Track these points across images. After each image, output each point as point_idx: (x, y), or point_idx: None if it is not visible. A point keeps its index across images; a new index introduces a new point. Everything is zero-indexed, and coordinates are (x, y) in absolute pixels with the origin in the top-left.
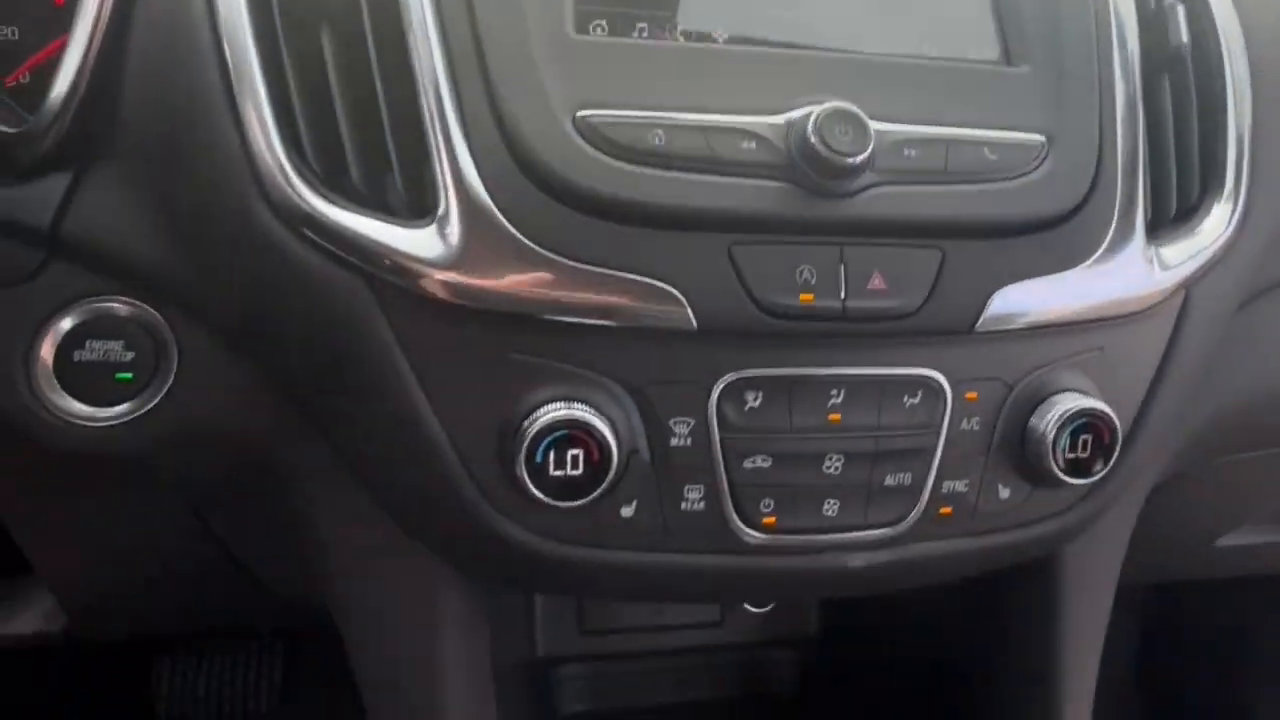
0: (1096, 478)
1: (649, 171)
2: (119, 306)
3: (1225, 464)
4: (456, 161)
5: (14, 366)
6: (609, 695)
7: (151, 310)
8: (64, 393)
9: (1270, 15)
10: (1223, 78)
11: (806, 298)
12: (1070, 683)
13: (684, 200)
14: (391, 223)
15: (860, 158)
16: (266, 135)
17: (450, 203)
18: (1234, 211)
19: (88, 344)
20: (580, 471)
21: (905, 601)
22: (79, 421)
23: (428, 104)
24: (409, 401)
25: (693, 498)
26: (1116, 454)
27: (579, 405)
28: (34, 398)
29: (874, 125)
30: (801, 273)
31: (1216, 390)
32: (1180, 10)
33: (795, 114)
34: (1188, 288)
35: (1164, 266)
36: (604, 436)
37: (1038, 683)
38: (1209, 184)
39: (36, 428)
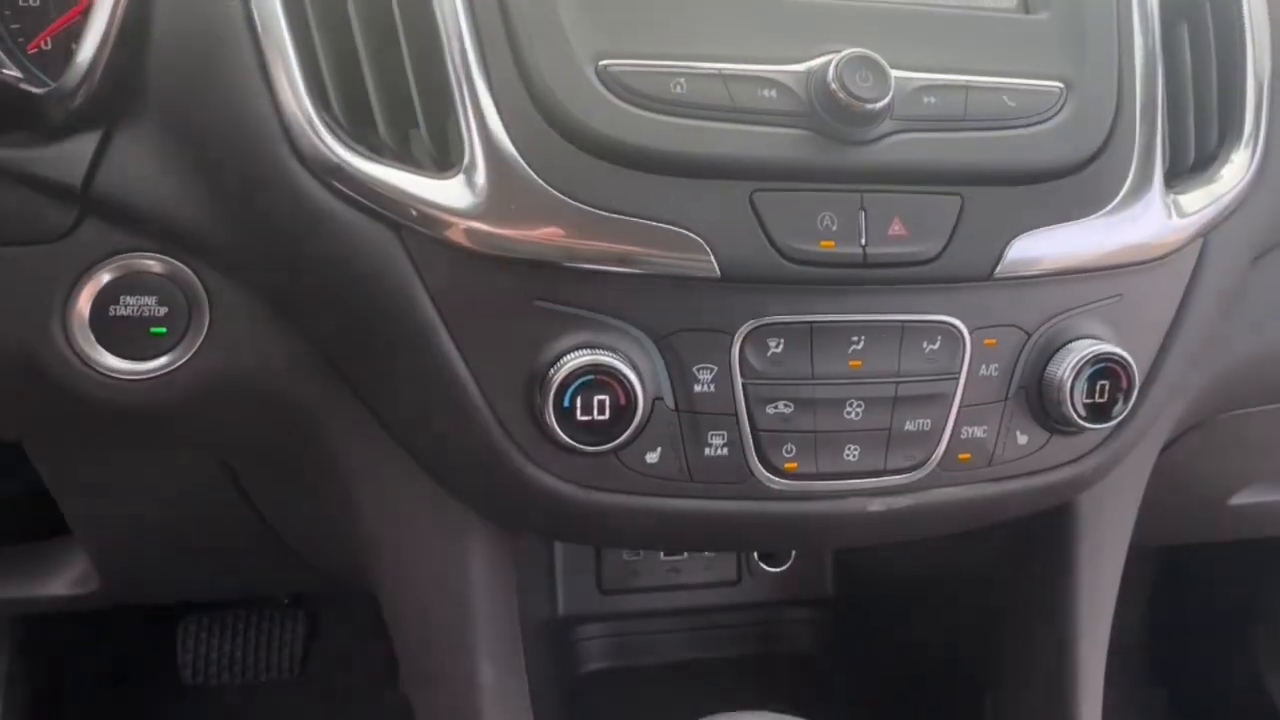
0: (1114, 423)
1: (671, 120)
2: (152, 263)
3: (1237, 418)
4: (481, 113)
5: (52, 321)
6: (628, 653)
7: (184, 267)
8: (100, 347)
9: None
10: (1241, 24)
11: (827, 244)
12: (1085, 629)
13: (706, 148)
14: (419, 174)
15: (880, 104)
16: (295, 89)
17: (476, 153)
18: (1253, 159)
19: (122, 299)
20: (607, 416)
21: (920, 556)
22: (115, 375)
23: (452, 57)
24: (438, 350)
25: (716, 444)
26: (1133, 400)
27: (604, 351)
28: (72, 352)
29: (894, 72)
30: (823, 219)
31: (1232, 341)
32: None
33: (816, 62)
34: (1205, 235)
35: (1182, 214)
36: (630, 382)
37: (1050, 641)
38: (1227, 131)
39: (75, 381)
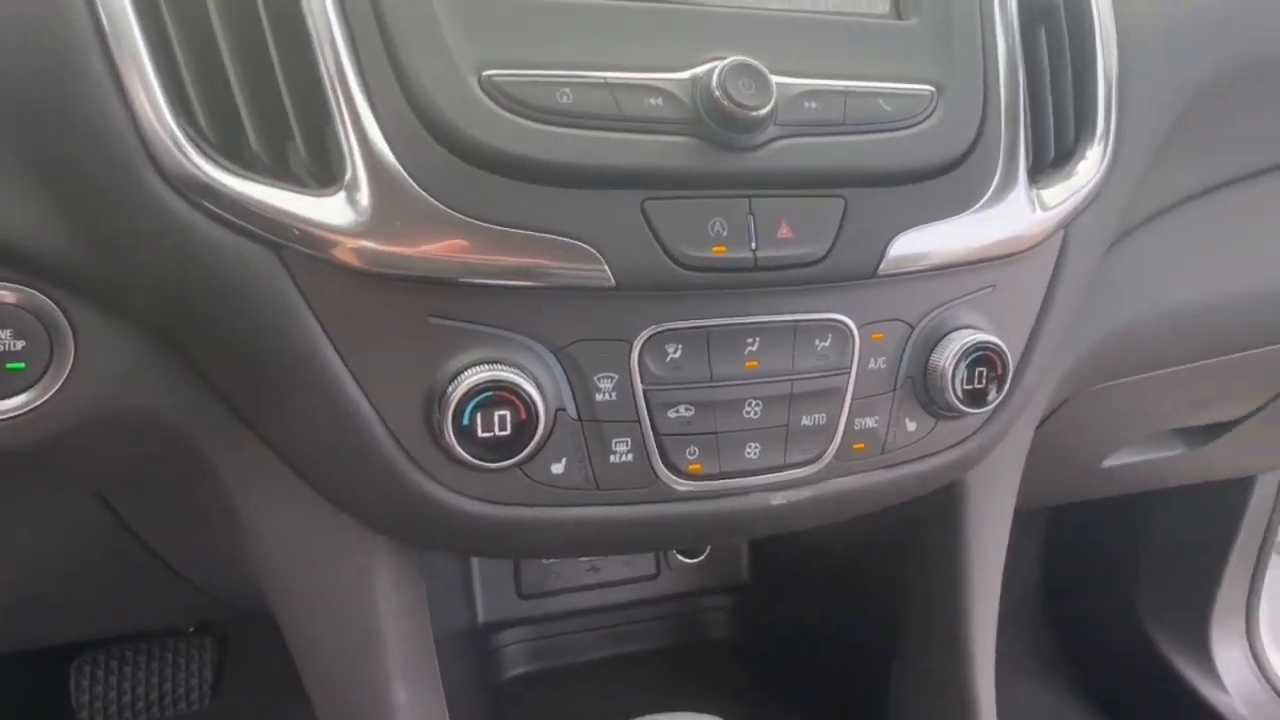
0: (991, 406)
1: (558, 130)
2: (5, 293)
3: (1102, 391)
4: (362, 127)
5: None
6: (551, 655)
7: (42, 297)
8: None
9: None
10: (1092, 29)
11: (719, 250)
12: (976, 600)
13: (595, 158)
14: (298, 191)
15: (763, 111)
16: (153, 100)
17: (358, 169)
18: (1105, 154)
19: None
20: (508, 432)
21: (826, 537)
22: None
23: (327, 67)
24: (328, 373)
25: (620, 450)
26: (1008, 384)
27: (503, 366)
28: None
29: (775, 79)
30: (713, 225)
31: (1096, 320)
32: None
33: (699, 70)
34: (1066, 227)
35: (1044, 208)
36: (530, 396)
37: (946, 604)
38: (1082, 129)
39: None
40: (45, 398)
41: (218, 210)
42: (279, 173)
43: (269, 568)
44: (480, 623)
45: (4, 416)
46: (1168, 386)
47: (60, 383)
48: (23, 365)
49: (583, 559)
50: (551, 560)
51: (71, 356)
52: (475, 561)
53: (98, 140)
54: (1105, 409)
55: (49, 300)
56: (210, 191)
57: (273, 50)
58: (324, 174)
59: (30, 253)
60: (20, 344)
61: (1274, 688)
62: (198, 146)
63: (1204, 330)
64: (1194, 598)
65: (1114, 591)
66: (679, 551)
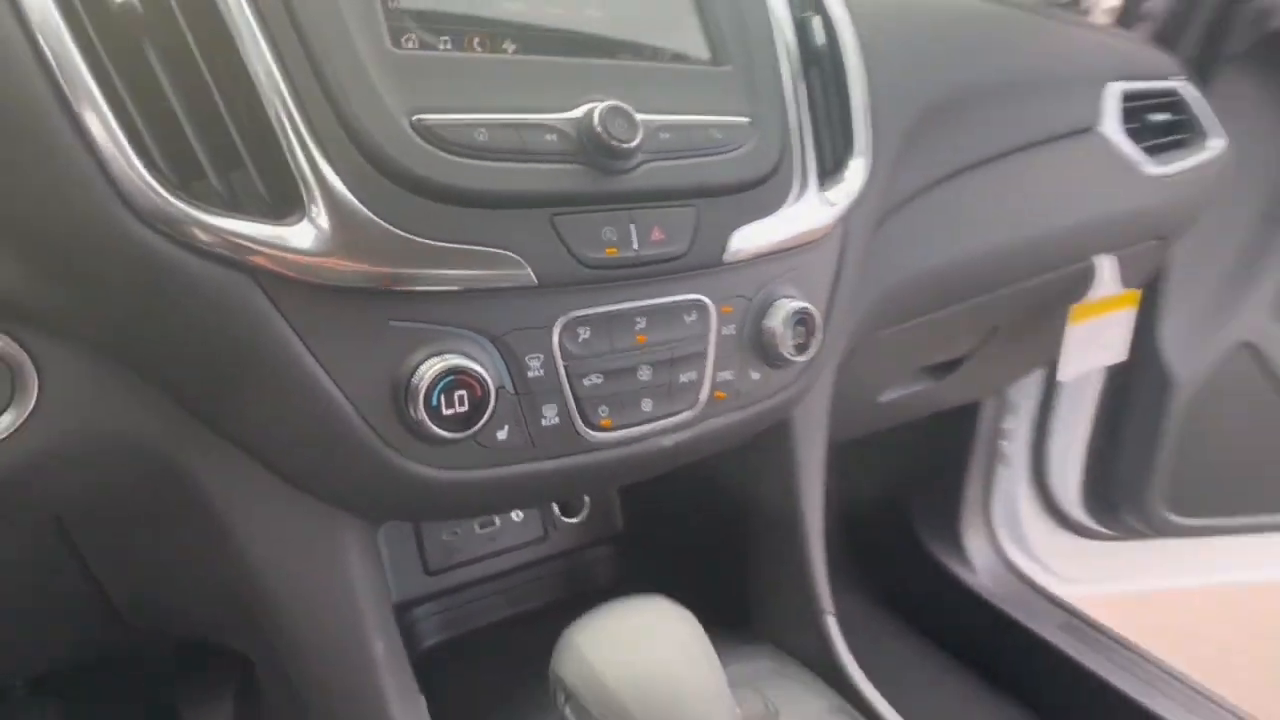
0: (810, 355)
1: (480, 163)
2: None
3: (878, 338)
4: (317, 165)
5: None
6: (459, 623)
7: (4, 336)
8: None
9: (866, 26)
10: (846, 73)
11: (611, 251)
12: (808, 509)
13: (510, 184)
14: (265, 222)
15: (634, 143)
16: (116, 142)
17: (318, 201)
18: (865, 164)
19: None
20: (466, 409)
21: (684, 483)
22: None
23: (278, 116)
24: (308, 374)
25: (549, 415)
26: (818, 337)
27: (455, 355)
28: None
29: (639, 116)
30: (605, 232)
31: (871, 284)
32: (817, 20)
33: (579, 111)
34: (845, 219)
35: (830, 205)
36: (481, 377)
37: (785, 515)
38: (849, 146)
39: None
40: (7, 435)
41: (196, 241)
42: (237, 205)
43: (254, 566)
44: (394, 602)
45: None
46: (922, 332)
47: (23, 420)
48: None
49: (480, 531)
50: (452, 536)
51: (35, 393)
52: (383, 547)
53: (61, 181)
54: (880, 353)
55: (9, 339)
56: (186, 225)
57: (219, 99)
58: (281, 205)
59: (9, 302)
60: None
61: (1008, 563)
62: (162, 182)
63: (943, 285)
64: (948, 501)
65: (891, 505)
66: (562, 511)
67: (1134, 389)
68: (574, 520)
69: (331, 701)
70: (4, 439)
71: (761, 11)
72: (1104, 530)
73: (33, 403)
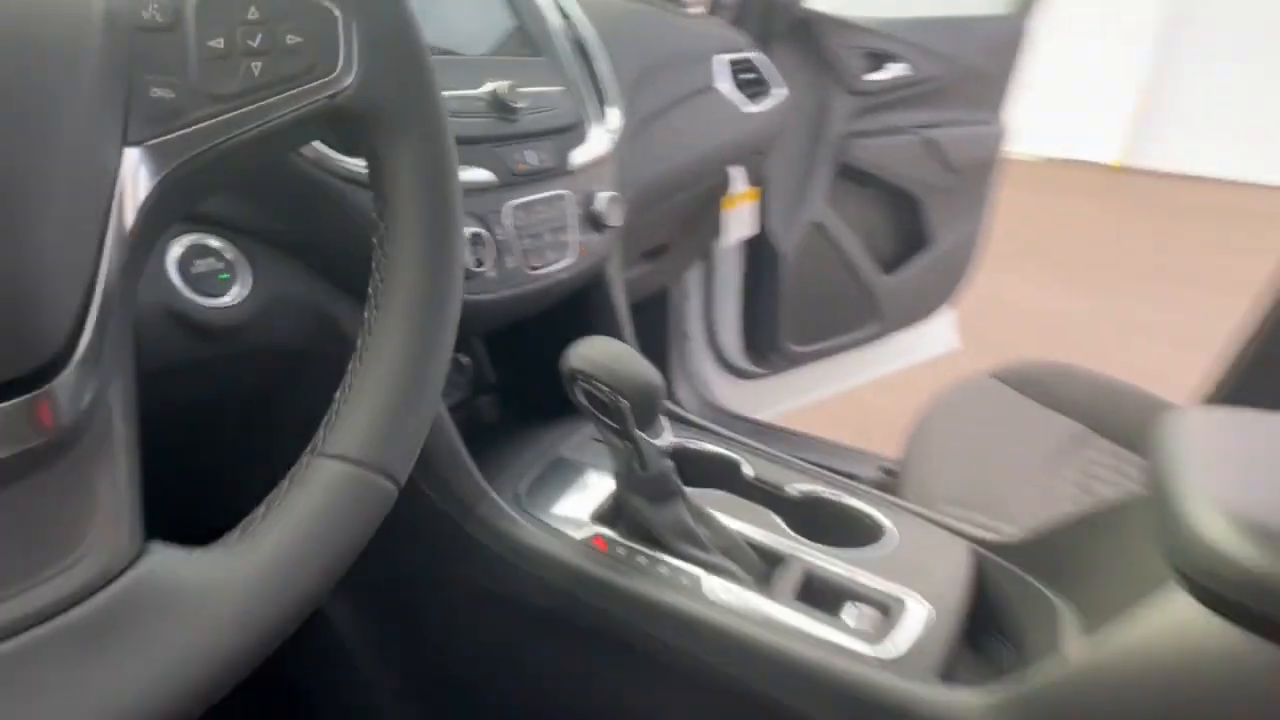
0: (618, 222)
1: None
2: (218, 242)
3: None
4: None
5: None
6: None
7: (231, 243)
8: (193, 291)
9: (594, 21)
10: (592, 52)
11: (521, 167)
12: (627, 341)
13: (464, 131)
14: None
15: (519, 104)
16: None
17: None
18: (620, 110)
19: (195, 262)
20: (479, 257)
21: (538, 343)
22: (207, 304)
23: None
24: None
25: (510, 261)
26: (621, 211)
27: (471, 224)
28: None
29: (518, 89)
30: (516, 156)
31: (629, 183)
32: (570, 21)
33: (491, 87)
34: (615, 142)
35: (609, 133)
36: (486, 236)
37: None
38: (610, 98)
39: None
40: (246, 292)
41: (339, 171)
42: None
43: None
44: None
45: (226, 305)
46: (646, 222)
47: (249, 289)
48: (227, 276)
49: None
50: None
51: (251, 274)
52: None
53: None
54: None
55: (235, 246)
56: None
57: None
58: None
59: (230, 223)
60: (222, 264)
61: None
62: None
63: (657, 188)
64: (661, 364)
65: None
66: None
67: (759, 260)
68: (463, 378)
69: None
70: (239, 303)
71: (547, 22)
72: (760, 370)
73: (251, 281)
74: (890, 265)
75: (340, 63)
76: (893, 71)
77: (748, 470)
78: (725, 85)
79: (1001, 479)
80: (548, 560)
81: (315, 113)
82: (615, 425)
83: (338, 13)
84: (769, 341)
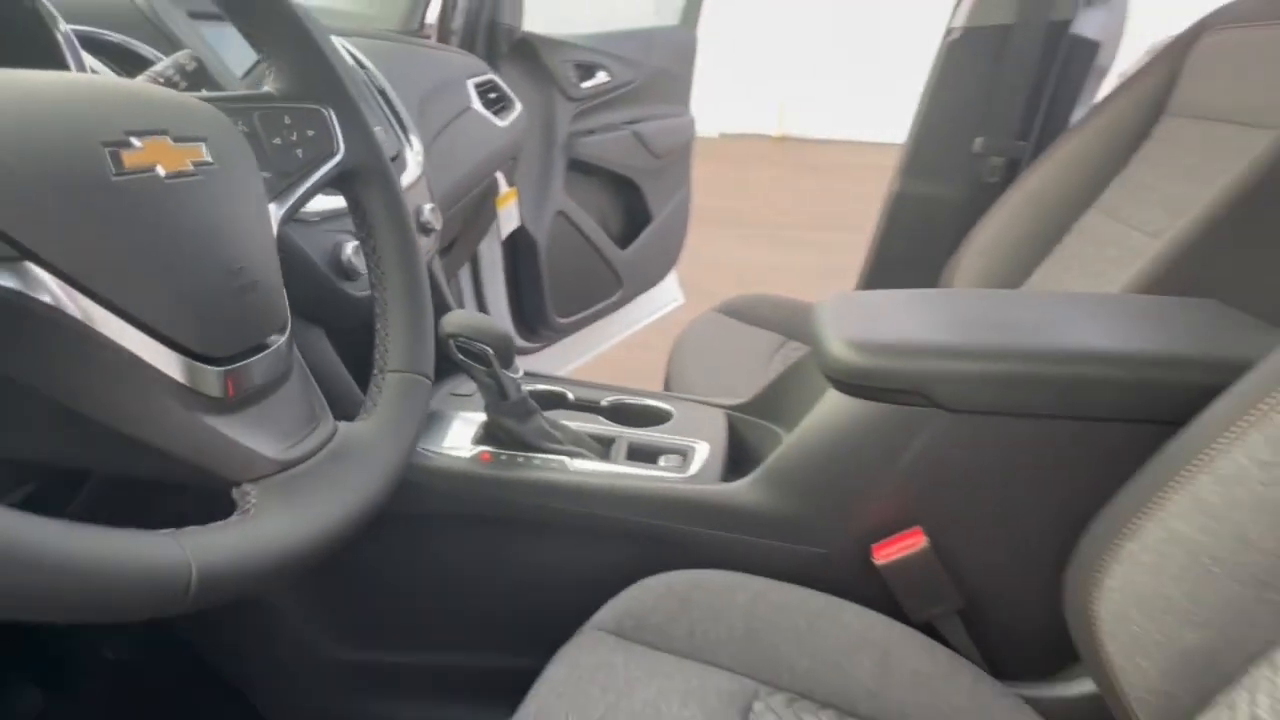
0: (440, 225)
1: None
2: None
3: None
4: None
5: None
6: None
7: None
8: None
9: (380, 66)
10: (389, 93)
11: None
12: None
13: None
14: None
15: None
16: None
17: None
18: (418, 135)
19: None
20: None
21: None
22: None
23: None
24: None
25: None
26: (441, 216)
27: None
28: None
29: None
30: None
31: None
32: (366, 71)
33: None
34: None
35: (417, 154)
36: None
37: None
38: (407, 128)
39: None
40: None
41: None
42: None
43: None
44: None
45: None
46: (444, 224)
47: None
48: None
49: None
50: None
51: None
52: None
53: None
54: None
55: None
56: None
57: None
58: None
59: None
60: None
61: None
62: None
63: (451, 191)
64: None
65: None
66: None
67: (520, 248)
68: None
69: None
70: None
71: (353, 72)
72: (533, 345)
73: None
74: (623, 241)
75: (336, 143)
76: (600, 78)
77: (570, 395)
78: (478, 105)
79: (734, 374)
80: (450, 475)
81: (331, 177)
82: (483, 367)
83: (326, 112)
84: (538, 318)
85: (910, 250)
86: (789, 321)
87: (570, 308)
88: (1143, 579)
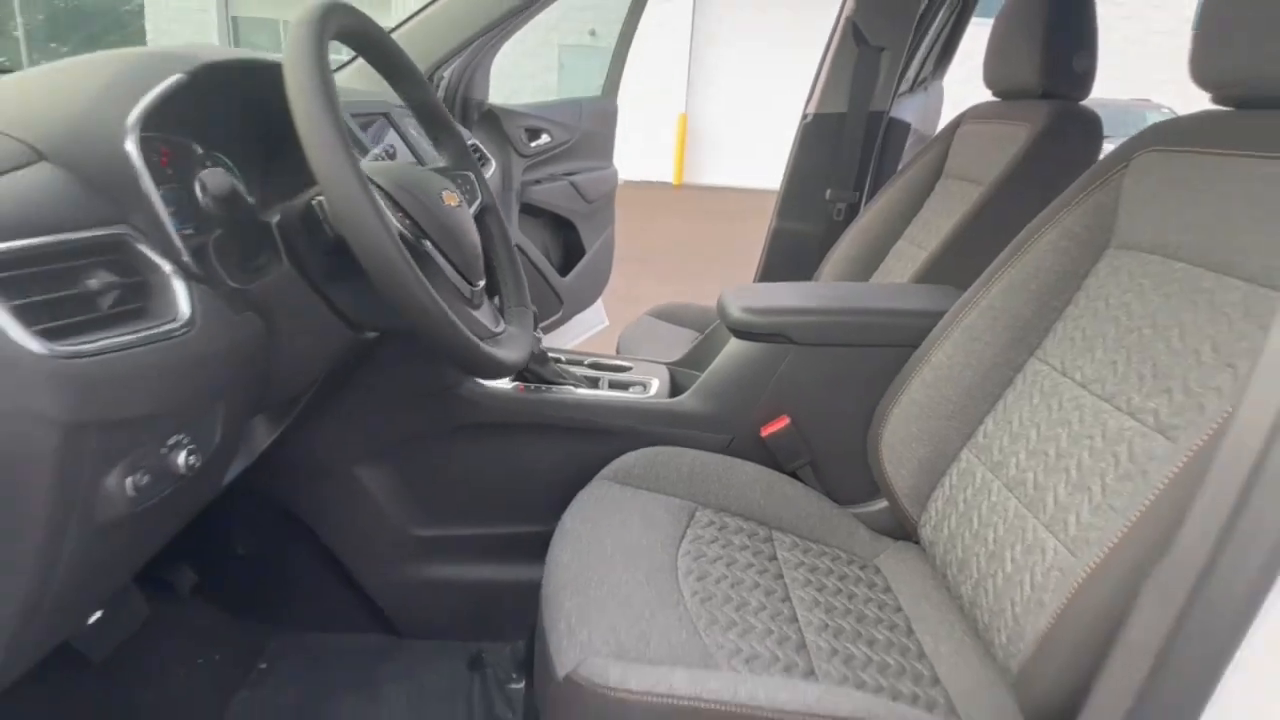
0: None
1: None
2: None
3: None
4: None
5: None
6: None
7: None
8: None
9: None
10: None
11: None
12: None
13: None
14: None
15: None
16: None
17: None
18: None
19: None
20: None
21: None
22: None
23: None
24: None
25: None
26: None
27: None
28: None
29: None
30: None
31: None
32: None
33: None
34: None
35: None
36: None
37: None
38: None
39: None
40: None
41: None
42: None
43: None
44: None
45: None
46: None
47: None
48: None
49: None
50: None
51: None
52: None
53: None
54: None
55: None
56: None
57: None
58: None
59: None
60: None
61: None
62: None
63: None
64: None
65: None
66: None
67: None
68: None
69: None
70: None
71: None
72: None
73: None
74: (563, 269)
75: (478, 191)
76: (544, 139)
77: (563, 358)
78: None
79: (664, 356)
80: (501, 397)
81: (479, 208)
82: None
83: (472, 174)
84: None
85: (785, 271)
86: (700, 320)
87: None
88: (901, 427)
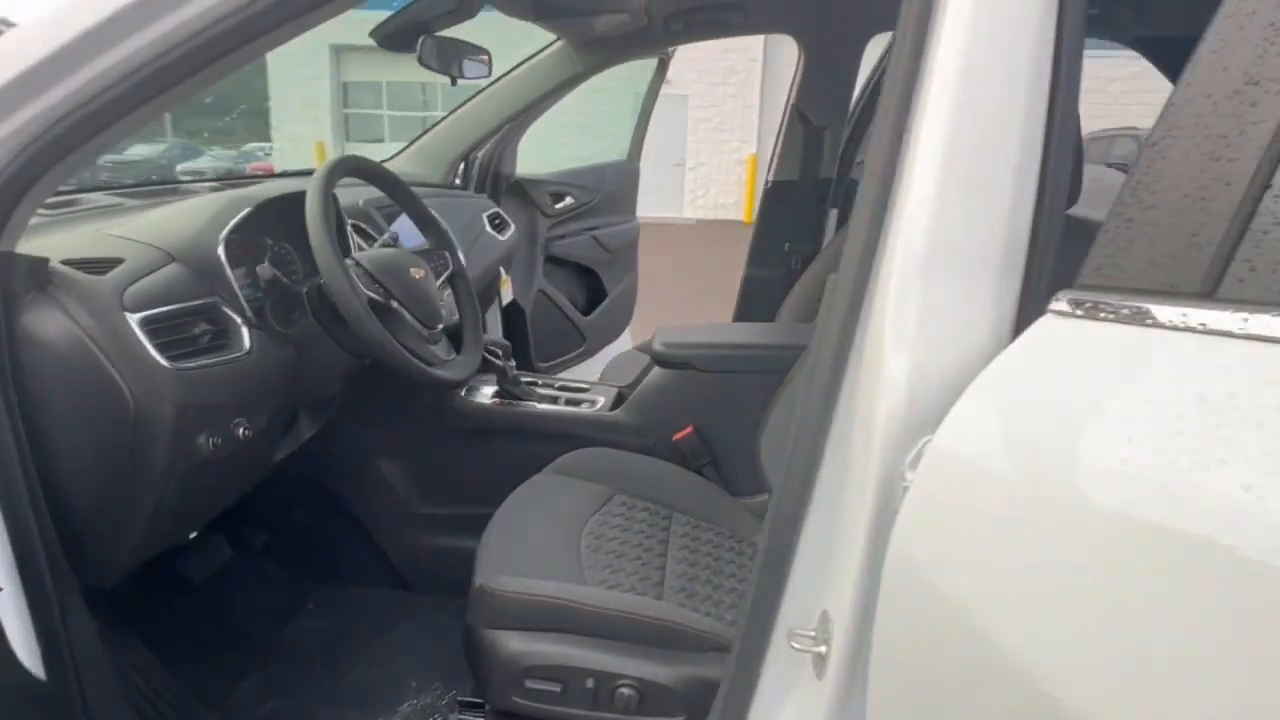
0: None
1: None
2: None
3: None
4: None
5: None
6: None
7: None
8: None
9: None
10: None
11: None
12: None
13: None
14: None
15: None
16: None
17: None
18: None
19: None
20: None
21: None
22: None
23: None
24: None
25: None
26: None
27: None
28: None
29: None
30: None
31: None
32: None
33: None
34: None
35: None
36: None
37: None
38: None
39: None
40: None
41: None
42: None
43: None
44: None
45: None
46: None
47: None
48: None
49: None
50: None
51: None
52: None
53: None
54: None
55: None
56: None
57: None
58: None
59: None
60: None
61: None
62: None
63: (476, 284)
64: None
65: None
66: None
67: (513, 316)
68: None
69: None
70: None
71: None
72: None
73: None
74: (586, 310)
75: (451, 263)
76: (567, 201)
77: (536, 380)
78: (489, 229)
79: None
80: (482, 409)
81: (449, 276)
82: (498, 360)
83: (448, 254)
84: (525, 361)
85: (753, 312)
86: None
87: (548, 355)
88: (774, 436)
